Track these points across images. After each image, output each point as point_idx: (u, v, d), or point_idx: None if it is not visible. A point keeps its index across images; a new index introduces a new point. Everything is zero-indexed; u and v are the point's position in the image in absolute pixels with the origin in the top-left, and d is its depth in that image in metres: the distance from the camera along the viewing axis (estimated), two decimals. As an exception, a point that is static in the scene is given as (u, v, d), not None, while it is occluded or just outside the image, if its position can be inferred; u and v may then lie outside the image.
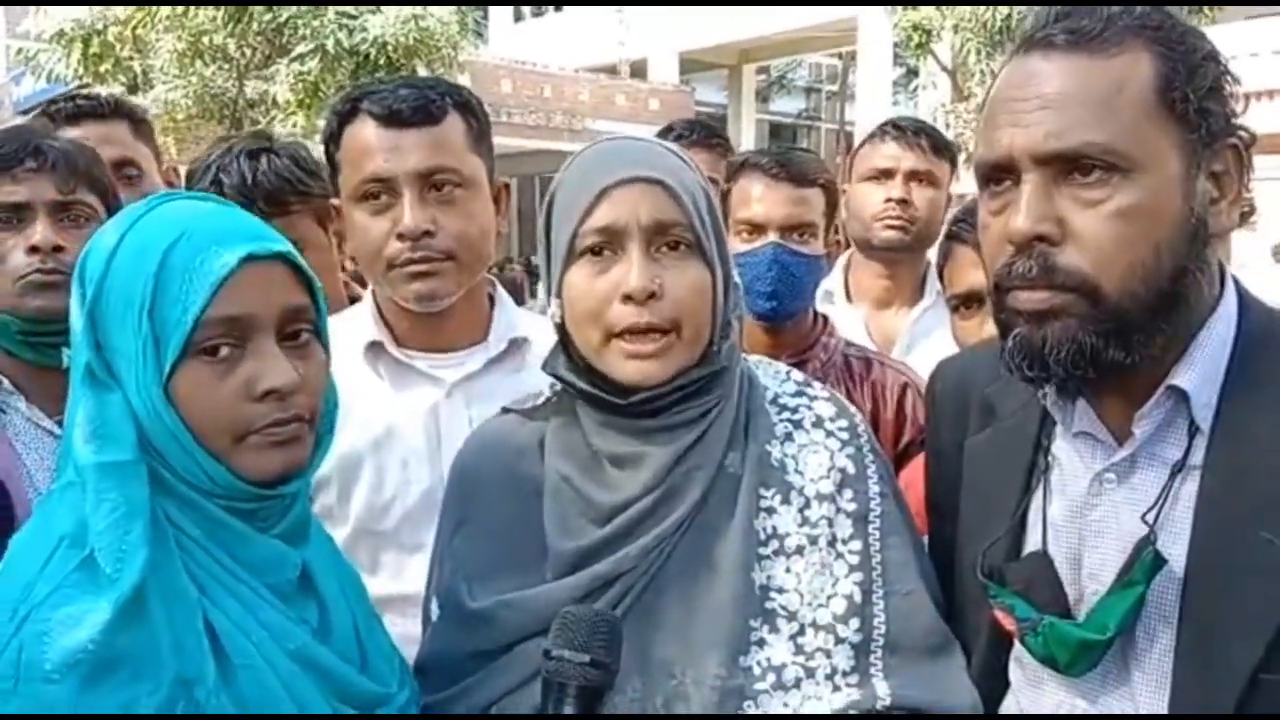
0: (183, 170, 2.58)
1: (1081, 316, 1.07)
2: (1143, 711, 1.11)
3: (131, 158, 2.42)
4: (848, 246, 2.69)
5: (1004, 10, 13.16)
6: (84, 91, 2.69)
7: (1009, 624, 1.18)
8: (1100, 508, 1.17)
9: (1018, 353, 1.11)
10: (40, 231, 1.67)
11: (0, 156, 1.68)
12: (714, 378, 1.31)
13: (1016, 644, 1.20)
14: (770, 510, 1.29)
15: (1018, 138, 1.09)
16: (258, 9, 11.92)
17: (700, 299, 1.28)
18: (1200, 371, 1.11)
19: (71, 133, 2.28)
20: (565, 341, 1.34)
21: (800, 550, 1.27)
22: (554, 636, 1.11)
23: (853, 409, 1.41)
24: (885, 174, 2.55)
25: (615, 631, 1.13)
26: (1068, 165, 1.07)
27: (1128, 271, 1.07)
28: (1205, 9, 12.75)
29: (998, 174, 1.13)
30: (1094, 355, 1.07)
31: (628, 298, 1.24)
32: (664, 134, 2.82)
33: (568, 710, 1.07)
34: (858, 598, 1.26)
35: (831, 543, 1.28)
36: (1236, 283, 1.16)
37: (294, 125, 12.19)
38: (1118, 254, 1.06)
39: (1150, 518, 1.10)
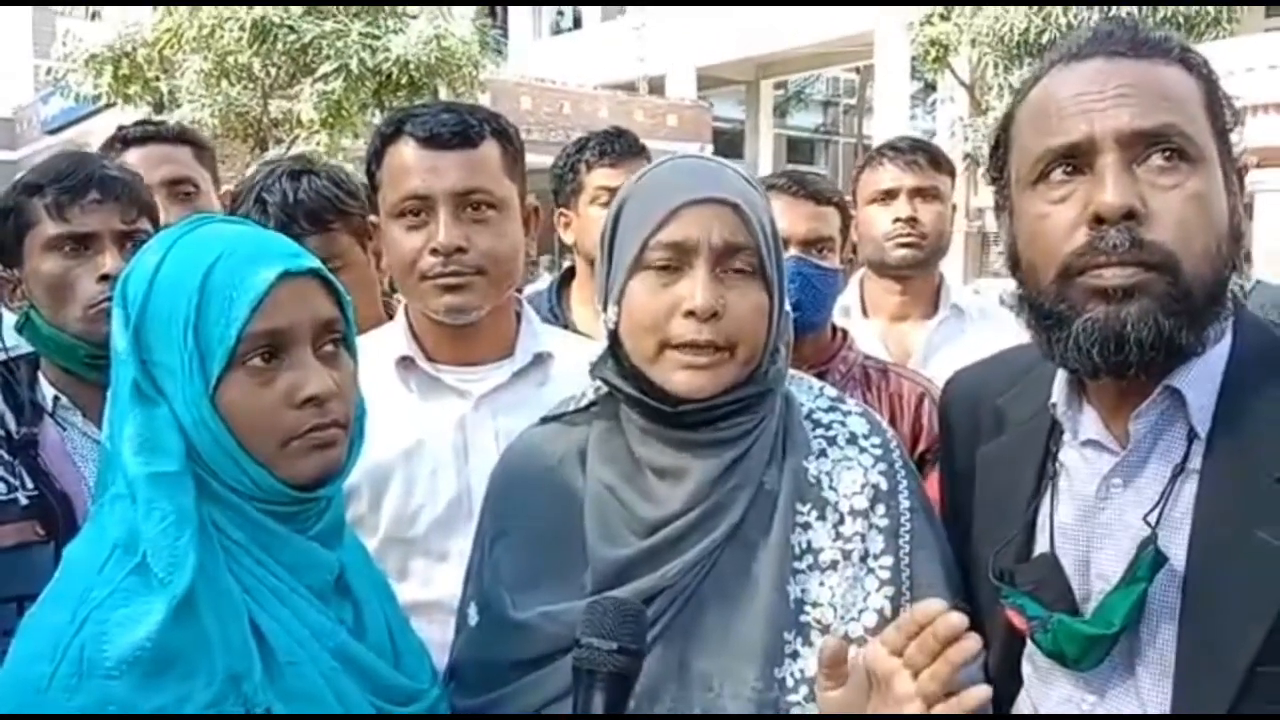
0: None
1: (1160, 297, 1.10)
2: (1147, 702, 1.14)
3: (189, 176, 2.52)
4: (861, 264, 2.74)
5: (1022, 24, 13.18)
6: (150, 119, 2.84)
7: (1020, 623, 1.21)
8: (1107, 510, 1.20)
9: (1091, 336, 1.12)
10: (110, 262, 1.74)
11: (68, 187, 1.75)
12: (758, 398, 1.33)
13: (1028, 642, 1.24)
14: (806, 525, 1.31)
15: (1099, 121, 1.13)
16: (281, 30, 12.07)
17: (758, 323, 1.30)
18: (1196, 376, 1.16)
19: (136, 152, 2.39)
20: (615, 347, 1.36)
21: (834, 565, 1.29)
22: (583, 625, 1.14)
23: (885, 424, 1.44)
24: (889, 195, 2.59)
25: (642, 619, 1.16)
26: (1146, 149, 1.12)
27: (1202, 254, 1.12)
28: (1224, 23, 12.74)
29: (1065, 161, 1.16)
30: (1170, 338, 1.10)
31: (690, 314, 1.26)
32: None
33: (598, 697, 1.10)
34: (888, 611, 1.28)
35: (864, 558, 1.30)
36: (1233, 296, 1.20)
37: (318, 144, 12.33)
38: (1195, 235, 1.11)
39: (1151, 518, 1.14)
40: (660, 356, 1.29)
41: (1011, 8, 13.11)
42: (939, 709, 1.07)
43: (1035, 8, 12.99)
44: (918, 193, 2.58)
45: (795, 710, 1.23)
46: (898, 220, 2.56)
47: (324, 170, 2.17)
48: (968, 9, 13.83)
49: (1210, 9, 12.92)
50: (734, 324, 1.28)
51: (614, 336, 1.35)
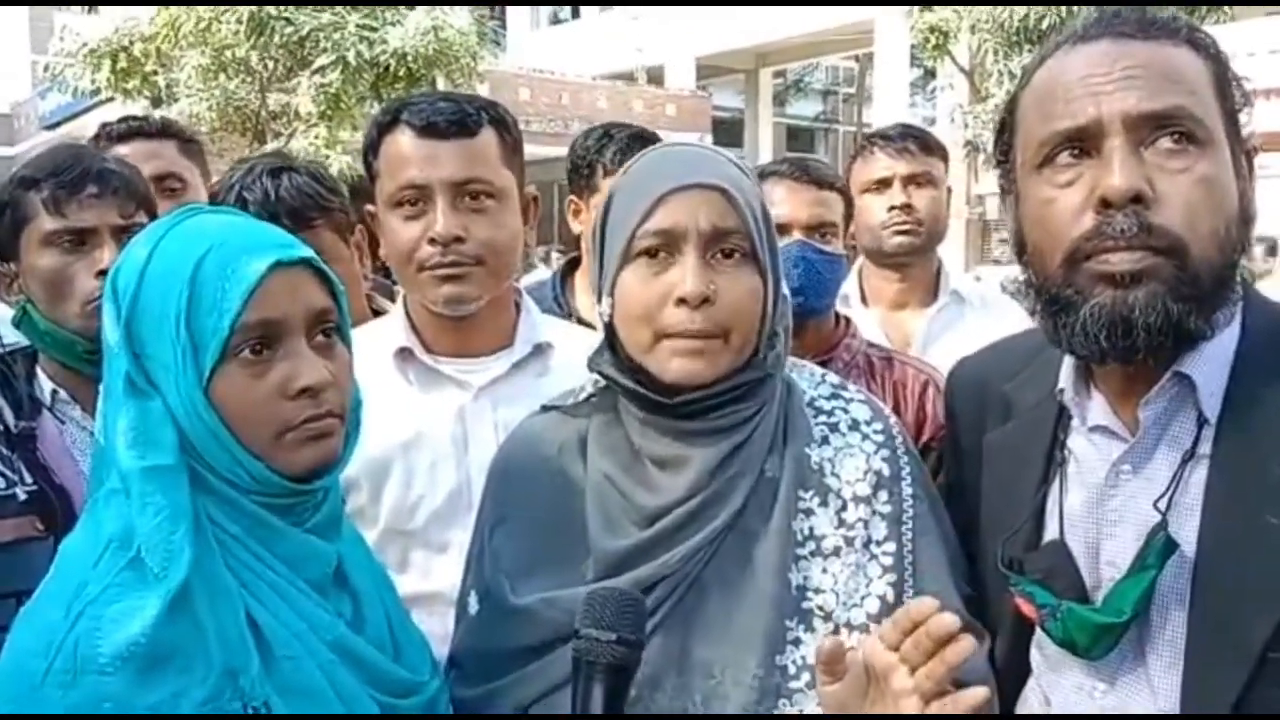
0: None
1: (1168, 281, 1.09)
2: (1157, 690, 1.14)
3: (174, 171, 2.51)
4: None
5: (1021, 11, 13.15)
6: (135, 114, 2.80)
7: (1029, 611, 1.21)
8: (1117, 497, 1.19)
9: (1098, 322, 1.11)
10: (108, 257, 1.73)
11: (65, 181, 1.74)
12: (757, 384, 1.33)
13: (1037, 630, 1.23)
14: (808, 512, 1.30)
15: (1106, 103, 1.12)
16: (278, 23, 12.04)
17: (752, 307, 1.29)
18: (1206, 361, 1.14)
19: (121, 149, 2.37)
20: (612, 340, 1.36)
21: (837, 551, 1.29)
22: (582, 616, 1.14)
23: (888, 411, 1.43)
24: (883, 183, 2.59)
25: (641, 609, 1.16)
26: (1153, 131, 1.11)
27: (1210, 237, 1.11)
28: (1224, 7, 12.69)
29: (1072, 144, 1.15)
30: (1178, 323, 1.09)
31: (681, 301, 1.26)
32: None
33: (597, 687, 1.10)
34: (891, 598, 1.28)
35: (866, 544, 1.30)
36: (1242, 279, 1.19)
37: (315, 137, 12.31)
38: (1203, 219, 1.10)
39: (1162, 504, 1.13)
40: (655, 346, 1.29)
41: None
42: (936, 706, 1.06)
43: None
44: (911, 179, 2.58)
45: (797, 696, 1.23)
46: (893, 208, 2.57)
47: (303, 167, 2.15)
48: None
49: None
50: (726, 309, 1.27)
51: (609, 328, 1.35)
